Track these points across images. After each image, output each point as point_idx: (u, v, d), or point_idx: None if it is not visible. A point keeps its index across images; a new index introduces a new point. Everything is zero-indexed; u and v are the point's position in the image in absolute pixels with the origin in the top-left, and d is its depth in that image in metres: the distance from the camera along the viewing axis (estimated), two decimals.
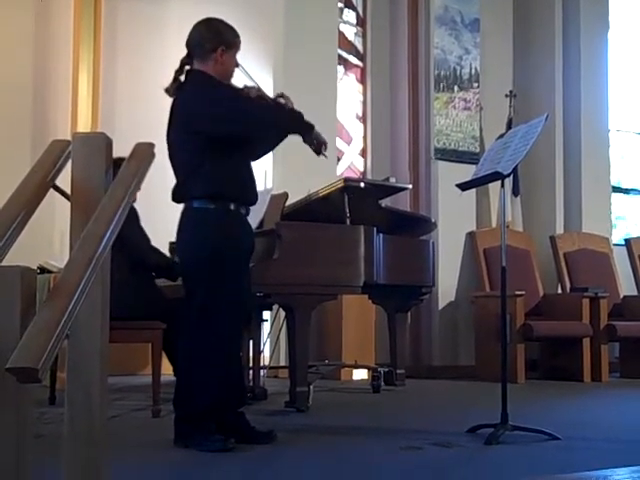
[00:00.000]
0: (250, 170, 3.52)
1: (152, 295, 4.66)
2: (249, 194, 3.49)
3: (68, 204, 1.92)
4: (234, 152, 3.38)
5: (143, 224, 4.57)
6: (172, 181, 5.06)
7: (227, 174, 3.35)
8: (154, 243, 4.78)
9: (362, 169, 7.63)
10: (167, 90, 3.45)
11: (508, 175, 3.81)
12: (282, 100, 3.52)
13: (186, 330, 3.42)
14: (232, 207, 3.37)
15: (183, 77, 3.46)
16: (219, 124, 3.31)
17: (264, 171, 6.24)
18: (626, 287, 7.75)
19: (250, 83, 3.57)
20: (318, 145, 3.53)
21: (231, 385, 3.43)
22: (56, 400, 4.60)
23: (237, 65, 3.49)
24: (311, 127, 3.48)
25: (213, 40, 3.39)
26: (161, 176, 4.87)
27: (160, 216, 4.99)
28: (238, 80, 3.60)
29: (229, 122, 3.33)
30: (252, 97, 3.44)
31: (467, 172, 4.70)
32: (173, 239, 5.58)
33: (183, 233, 3.44)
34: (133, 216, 4.60)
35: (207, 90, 3.37)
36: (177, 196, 3.45)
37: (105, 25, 6.73)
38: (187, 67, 3.46)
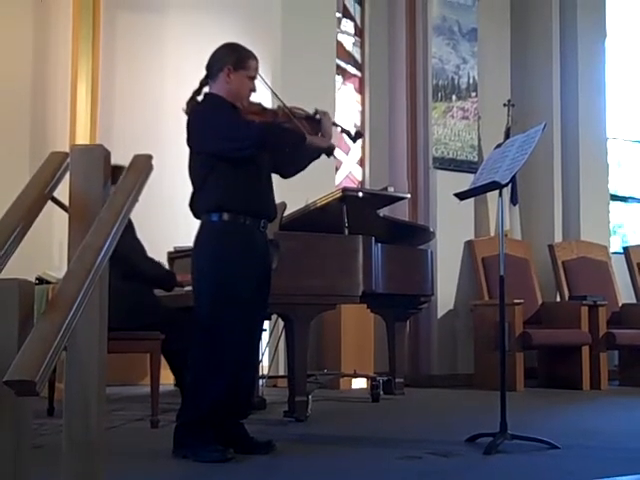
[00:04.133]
0: (263, 184, 3.51)
1: (150, 304, 4.65)
2: (260, 207, 3.48)
3: (67, 215, 1.93)
4: (244, 167, 3.39)
5: (141, 234, 4.57)
6: (169, 191, 5.10)
7: (236, 188, 3.36)
8: (151, 253, 4.77)
9: (360, 178, 7.64)
10: (184, 109, 3.49)
11: (506, 184, 3.82)
12: (318, 116, 3.59)
13: (192, 341, 3.43)
14: (243, 221, 3.39)
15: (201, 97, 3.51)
16: (210, 143, 3.36)
17: None
18: (625, 295, 7.76)
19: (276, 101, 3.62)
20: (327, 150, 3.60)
21: (233, 396, 3.42)
22: (55, 411, 4.59)
23: (253, 90, 3.49)
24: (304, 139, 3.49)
25: (220, 61, 3.44)
26: (158, 186, 4.90)
27: (157, 226, 5.00)
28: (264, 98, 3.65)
29: (218, 141, 3.35)
30: (258, 118, 3.46)
31: (465, 181, 4.71)
32: (171, 249, 5.65)
33: (195, 245, 3.47)
34: (128, 226, 4.59)
35: (207, 111, 3.42)
36: (191, 209, 3.48)
37: (103, 35, 6.75)
38: (206, 88, 3.50)
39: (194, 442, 3.28)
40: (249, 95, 3.50)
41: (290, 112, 3.55)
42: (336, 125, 3.84)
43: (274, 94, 3.71)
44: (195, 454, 3.24)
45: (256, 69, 3.49)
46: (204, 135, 3.39)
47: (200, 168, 3.41)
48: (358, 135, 3.91)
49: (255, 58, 3.50)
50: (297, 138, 3.50)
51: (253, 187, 3.43)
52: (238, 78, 3.43)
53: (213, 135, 3.36)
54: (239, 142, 3.34)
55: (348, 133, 3.84)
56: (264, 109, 3.59)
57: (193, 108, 3.47)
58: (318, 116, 3.60)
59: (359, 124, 7.66)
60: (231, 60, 3.43)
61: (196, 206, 3.45)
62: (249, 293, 3.39)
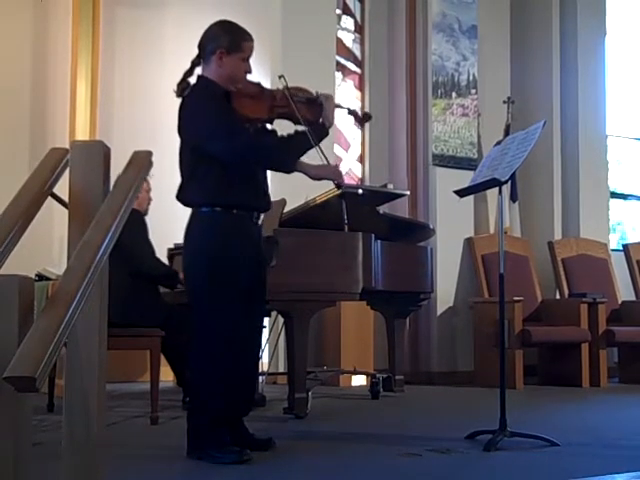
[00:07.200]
0: (256, 175, 3.40)
1: (152, 302, 4.66)
2: (253, 200, 3.38)
3: (66, 212, 1.93)
4: None
5: None
6: (169, 187, 5.10)
7: (227, 181, 3.26)
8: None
9: (360, 175, 7.63)
10: (175, 90, 3.37)
11: (506, 182, 3.82)
12: (319, 100, 3.40)
13: (192, 338, 3.35)
14: (235, 213, 3.30)
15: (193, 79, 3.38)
16: (196, 139, 3.28)
17: None
18: (624, 292, 7.76)
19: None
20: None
21: (241, 393, 3.40)
22: (55, 407, 4.60)
23: (248, 71, 3.34)
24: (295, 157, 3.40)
25: (213, 42, 3.30)
26: (158, 182, 4.90)
27: (157, 222, 5.00)
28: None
29: (203, 140, 3.25)
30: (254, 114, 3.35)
31: (465, 178, 4.70)
32: (171, 245, 5.65)
33: (187, 237, 3.37)
34: (142, 227, 4.62)
35: (197, 102, 3.30)
36: (180, 199, 3.38)
37: (103, 31, 6.74)
38: (199, 69, 3.38)
39: (208, 444, 3.20)
40: (244, 77, 3.35)
41: (290, 95, 3.37)
42: (342, 107, 3.66)
43: (283, 81, 3.42)
44: (210, 456, 3.17)
45: (251, 49, 3.33)
46: (191, 129, 3.29)
47: (190, 157, 3.31)
48: (367, 117, 3.71)
49: (250, 39, 3.34)
50: (286, 163, 3.40)
51: (245, 179, 3.32)
52: (231, 62, 3.28)
53: (199, 132, 3.26)
54: (222, 148, 3.23)
55: (355, 114, 3.64)
56: (262, 90, 3.41)
57: (184, 95, 3.33)
58: (320, 100, 3.42)
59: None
60: (224, 42, 3.27)
61: (185, 197, 3.34)
62: (245, 283, 3.30)
